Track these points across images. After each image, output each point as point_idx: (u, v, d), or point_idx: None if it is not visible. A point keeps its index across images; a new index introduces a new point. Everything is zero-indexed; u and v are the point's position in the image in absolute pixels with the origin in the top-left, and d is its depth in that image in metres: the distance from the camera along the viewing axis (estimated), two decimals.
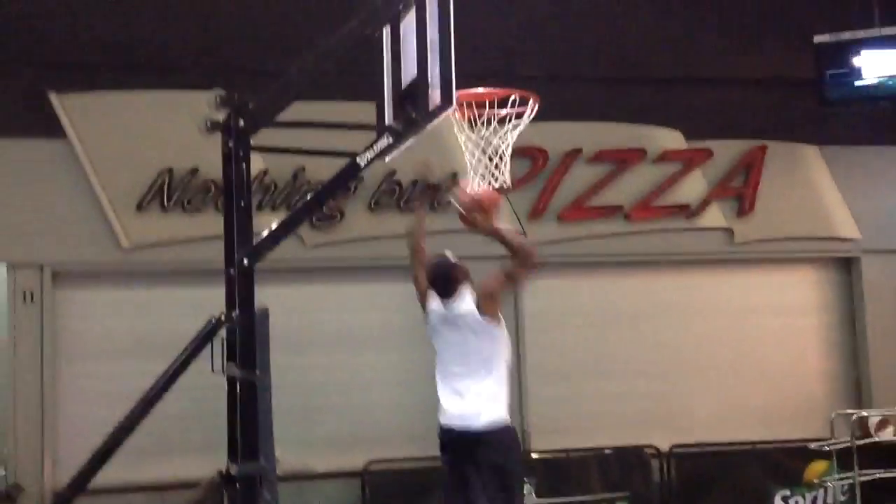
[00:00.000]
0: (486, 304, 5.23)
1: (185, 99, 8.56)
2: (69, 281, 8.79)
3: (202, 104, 8.02)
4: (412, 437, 9.05)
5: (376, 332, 9.26)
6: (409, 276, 5.72)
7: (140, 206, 8.74)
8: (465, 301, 5.30)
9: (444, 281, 5.39)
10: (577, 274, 9.82)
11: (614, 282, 9.94)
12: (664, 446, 9.29)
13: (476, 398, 5.14)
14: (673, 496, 9.04)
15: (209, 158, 8.36)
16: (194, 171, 8.75)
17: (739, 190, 9.98)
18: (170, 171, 8.76)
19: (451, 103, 3.63)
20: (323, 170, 8.47)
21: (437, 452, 8.77)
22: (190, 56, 8.82)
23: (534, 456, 8.97)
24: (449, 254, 5.55)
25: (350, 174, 4.21)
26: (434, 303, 5.45)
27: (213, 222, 8.50)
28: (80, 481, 4.18)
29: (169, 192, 8.75)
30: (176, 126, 8.60)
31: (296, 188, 8.87)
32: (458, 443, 5.13)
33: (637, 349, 9.80)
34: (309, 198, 4.50)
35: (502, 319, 5.35)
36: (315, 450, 8.79)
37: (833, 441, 8.92)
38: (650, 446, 9.25)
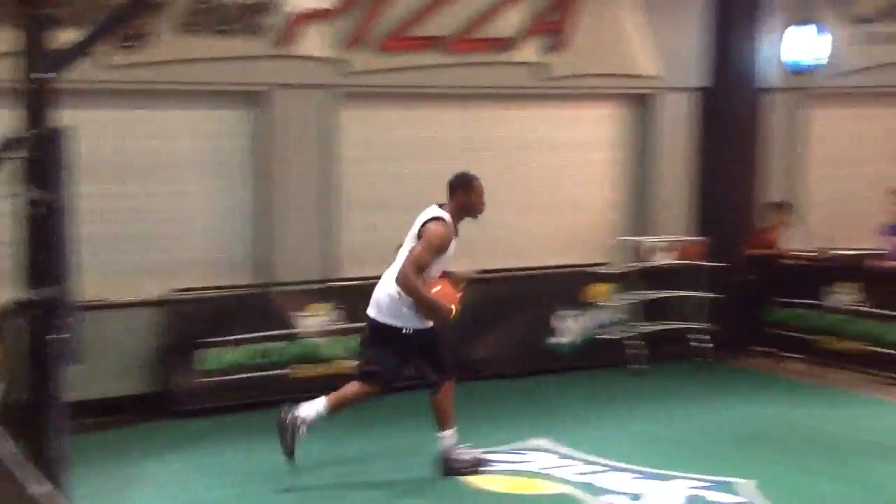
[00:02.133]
0: None
1: None
2: None
3: None
4: (220, 267, 9.06)
5: (188, 160, 8.99)
6: None
7: None
8: None
9: None
10: (395, 105, 9.78)
11: (432, 114, 9.96)
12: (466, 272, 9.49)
13: None
14: (469, 319, 8.87)
15: None
16: None
17: (554, 24, 10.09)
18: None
19: None
20: None
21: (240, 281, 9.01)
22: None
23: (342, 283, 9.05)
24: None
25: None
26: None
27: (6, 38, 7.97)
28: None
29: None
30: None
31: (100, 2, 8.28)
32: None
33: (441, 182, 9.90)
34: (110, 13, 4.23)
35: None
36: (116, 279, 8.58)
37: (616, 265, 9.61)
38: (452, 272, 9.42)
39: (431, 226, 6.24)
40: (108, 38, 7.99)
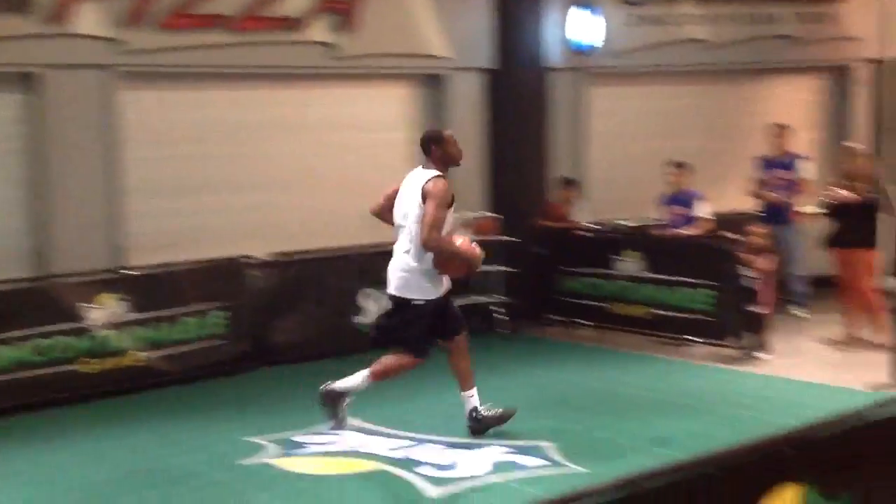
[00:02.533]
0: None
1: None
2: None
3: None
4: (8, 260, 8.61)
5: None
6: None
7: None
8: None
9: None
10: (180, 86, 9.46)
11: (218, 94, 9.70)
12: (260, 256, 9.28)
13: None
14: (271, 303, 9.16)
15: None
16: None
17: (342, 5, 10.01)
18: None
19: None
20: None
21: (17, 273, 8.48)
22: None
23: (128, 272, 8.64)
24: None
25: None
26: None
27: None
28: None
29: None
30: None
31: None
32: None
33: (240, 162, 9.75)
34: None
35: None
36: None
37: None
38: (248, 257, 9.20)
39: (432, 184, 6.41)
40: None
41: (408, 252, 6.53)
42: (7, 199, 8.66)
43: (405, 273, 6.55)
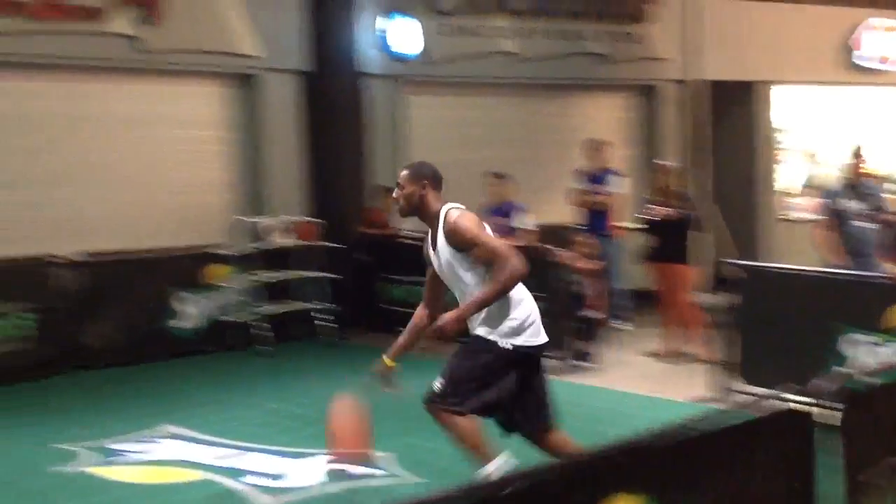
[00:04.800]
0: None
1: None
2: None
3: None
4: None
5: None
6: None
7: None
8: None
9: None
10: None
11: (20, 85, 9.15)
12: (69, 256, 8.88)
13: None
14: (78, 305, 8.75)
15: None
16: None
17: None
18: None
19: None
20: None
21: None
22: None
23: None
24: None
25: None
26: None
27: None
28: None
29: None
30: None
31: None
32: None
33: (41, 158, 9.21)
34: None
35: None
36: None
37: (230, 245, 9.41)
38: (55, 256, 8.79)
39: (459, 221, 4.82)
40: None
41: None
42: None
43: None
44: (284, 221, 9.82)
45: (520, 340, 4.87)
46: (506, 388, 4.88)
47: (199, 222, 9.99)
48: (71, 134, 9.38)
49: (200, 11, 9.87)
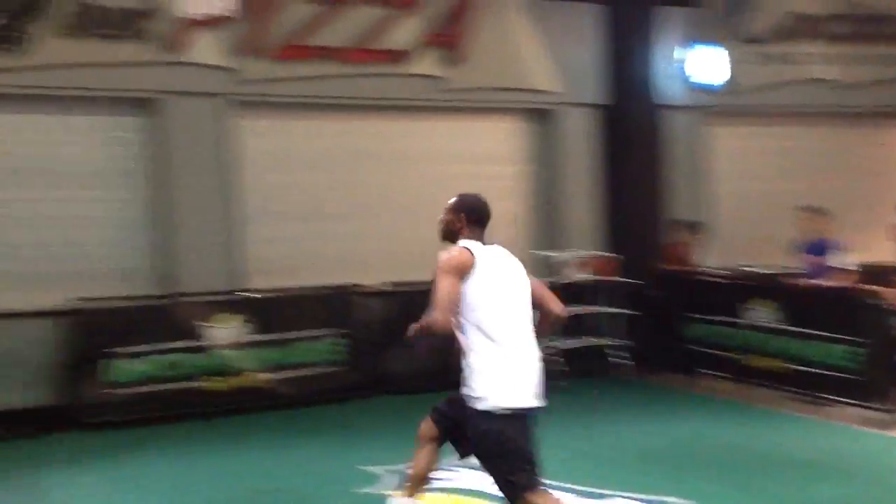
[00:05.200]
0: None
1: None
2: None
3: None
4: (118, 277, 8.72)
5: (79, 167, 8.66)
6: None
7: None
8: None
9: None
10: (294, 115, 9.49)
11: (330, 124, 9.69)
12: (376, 285, 9.34)
13: None
14: (384, 332, 9.06)
15: None
16: None
17: (449, 38, 9.83)
18: None
19: None
20: None
21: (140, 291, 8.60)
22: None
23: (247, 294, 8.82)
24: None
25: None
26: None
27: None
28: None
29: None
30: None
31: None
32: None
33: (352, 191, 9.72)
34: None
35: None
36: (14, 287, 8.32)
37: None
38: (362, 285, 9.25)
39: (441, 256, 4.64)
40: None
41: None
42: (130, 217, 8.85)
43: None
44: (580, 256, 9.73)
45: (490, 405, 4.43)
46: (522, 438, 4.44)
47: None
48: (377, 170, 9.84)
49: (500, 50, 10.09)
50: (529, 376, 4.50)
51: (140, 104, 8.79)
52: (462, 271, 4.51)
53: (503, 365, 4.48)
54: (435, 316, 4.47)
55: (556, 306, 4.85)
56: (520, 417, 4.44)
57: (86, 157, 8.68)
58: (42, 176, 8.51)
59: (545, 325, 4.80)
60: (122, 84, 8.56)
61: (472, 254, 4.53)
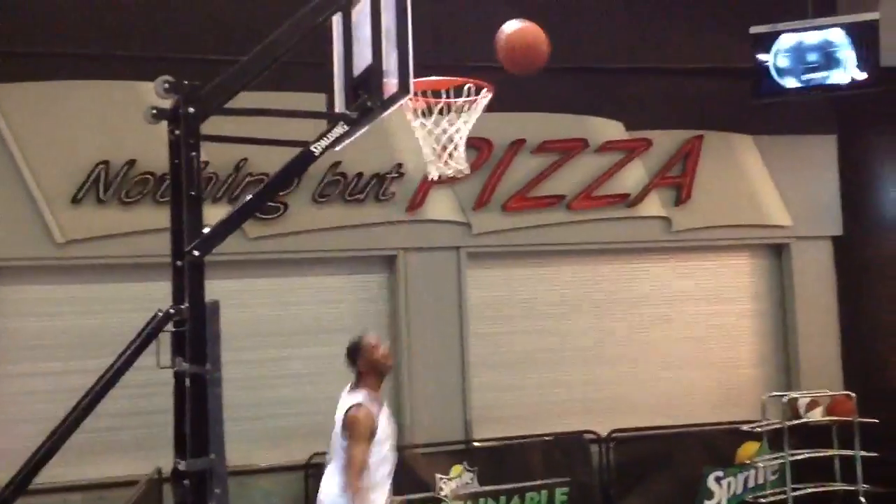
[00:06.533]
0: None
1: (121, 88, 8.40)
2: (4, 277, 8.51)
3: (138, 94, 7.95)
4: None
5: (320, 324, 9.17)
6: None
7: (75, 199, 8.49)
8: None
9: None
10: (520, 263, 9.83)
11: (556, 271, 9.96)
12: (604, 432, 9.39)
13: None
14: (612, 480, 9.16)
15: (146, 150, 8.27)
16: (131, 163, 8.54)
17: (677, 179, 10.08)
18: (106, 162, 8.53)
19: (407, 90, 3.60)
20: (265, 162, 8.44)
21: None
22: (128, 46, 8.62)
23: (476, 444, 8.99)
24: None
25: (303, 162, 4.14)
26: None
27: (150, 215, 8.39)
28: (22, 481, 4.04)
29: (105, 184, 8.52)
30: (111, 116, 8.42)
31: (238, 180, 8.73)
32: None
33: (578, 337, 9.89)
34: (262, 187, 4.38)
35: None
36: (260, 444, 8.74)
37: (764, 422, 9.19)
38: (590, 432, 9.36)
39: (351, 415, 5.59)
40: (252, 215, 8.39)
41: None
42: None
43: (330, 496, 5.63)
44: (818, 395, 9.50)
45: None
46: None
47: (729, 398, 10.07)
48: (604, 315, 9.98)
49: (729, 187, 10.16)
50: None
51: (383, 261, 9.34)
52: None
53: None
54: None
55: None
56: None
57: (325, 315, 9.16)
58: (284, 334, 9.03)
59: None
60: (368, 244, 9.15)
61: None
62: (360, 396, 5.64)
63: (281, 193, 8.54)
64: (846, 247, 10.35)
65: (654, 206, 10.00)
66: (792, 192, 10.30)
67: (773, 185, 10.30)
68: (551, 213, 9.70)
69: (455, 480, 8.53)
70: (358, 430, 5.52)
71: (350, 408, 5.61)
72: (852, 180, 10.39)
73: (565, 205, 9.74)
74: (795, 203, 10.31)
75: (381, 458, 5.60)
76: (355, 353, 5.76)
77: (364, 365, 5.72)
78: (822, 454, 9.32)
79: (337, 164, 8.95)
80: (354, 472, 5.44)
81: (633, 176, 9.92)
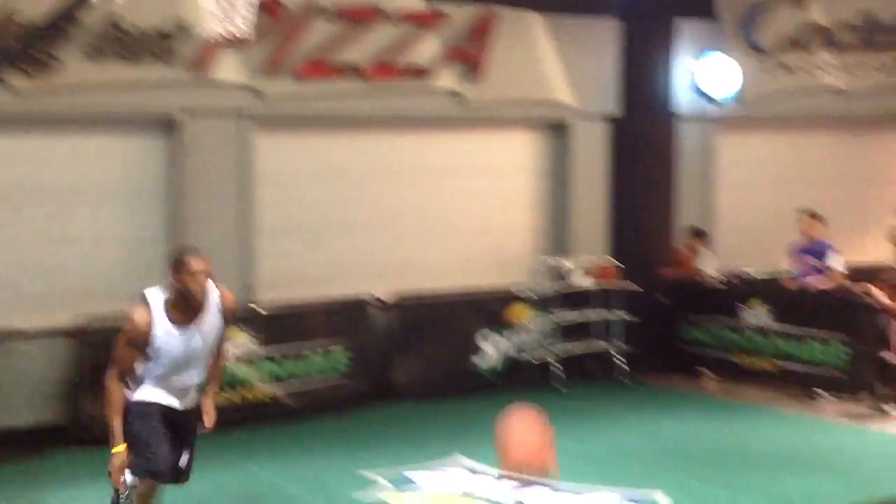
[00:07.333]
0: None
1: None
2: None
3: None
4: (134, 294, 8.79)
5: (98, 187, 8.82)
6: None
7: None
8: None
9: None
10: (313, 132, 9.76)
11: (349, 141, 9.96)
12: (387, 296, 9.57)
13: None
14: (393, 342, 9.41)
15: None
16: None
17: (470, 54, 10.18)
18: None
19: None
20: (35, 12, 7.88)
21: None
22: None
23: (258, 309, 8.91)
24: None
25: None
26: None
27: None
28: None
29: None
30: None
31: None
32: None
33: (367, 205, 9.99)
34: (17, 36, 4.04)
35: None
36: (24, 307, 8.39)
37: (536, 287, 9.71)
38: (373, 296, 9.52)
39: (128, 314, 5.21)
40: (12, 65, 7.86)
41: None
42: (148, 236, 8.99)
43: None
44: (586, 263, 10.09)
45: None
46: None
47: (504, 264, 10.44)
48: (393, 184, 10.10)
49: (518, 64, 10.33)
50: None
51: (161, 124, 8.98)
52: None
53: None
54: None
55: None
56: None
57: (105, 177, 8.80)
58: (54, 196, 8.61)
59: None
60: (144, 104, 8.73)
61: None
62: (153, 299, 5.18)
63: (49, 46, 7.99)
64: (620, 128, 10.81)
65: (447, 79, 10.07)
66: (575, 71, 10.59)
67: (559, 63, 10.55)
68: (345, 81, 9.59)
69: (234, 344, 8.37)
70: (125, 329, 5.19)
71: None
72: (633, 63, 10.78)
73: (360, 75, 9.65)
74: (579, 82, 10.63)
75: (157, 365, 5.20)
76: (170, 266, 5.23)
77: (169, 282, 5.17)
78: (589, 316, 9.99)
79: (114, 15, 8.44)
80: (112, 364, 5.22)
81: (428, 49, 9.93)
